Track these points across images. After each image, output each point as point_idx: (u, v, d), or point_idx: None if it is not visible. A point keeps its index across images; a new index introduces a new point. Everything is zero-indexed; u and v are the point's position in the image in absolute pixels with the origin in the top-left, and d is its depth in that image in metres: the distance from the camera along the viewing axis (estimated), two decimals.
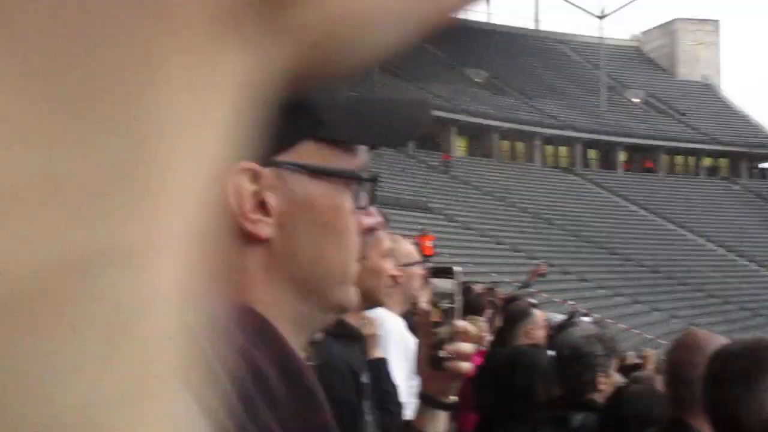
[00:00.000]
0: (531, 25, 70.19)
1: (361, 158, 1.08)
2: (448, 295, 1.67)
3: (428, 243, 24.93)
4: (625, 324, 30.46)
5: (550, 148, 56.98)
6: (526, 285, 11.95)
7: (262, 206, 1.01)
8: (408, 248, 3.86)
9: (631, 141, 58.47)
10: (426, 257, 21.21)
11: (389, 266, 2.93)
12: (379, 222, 1.12)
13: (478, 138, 53.11)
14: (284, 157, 1.02)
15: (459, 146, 51.85)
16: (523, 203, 45.26)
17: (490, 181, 46.65)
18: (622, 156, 58.92)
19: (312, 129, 1.03)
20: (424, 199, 37.90)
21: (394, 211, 32.41)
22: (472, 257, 33.07)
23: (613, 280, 38.28)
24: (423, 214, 35.13)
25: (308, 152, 1.03)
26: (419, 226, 27.26)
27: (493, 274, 29.63)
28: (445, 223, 37.04)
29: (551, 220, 43.84)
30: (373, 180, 1.10)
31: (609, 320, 27.64)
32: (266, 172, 1.00)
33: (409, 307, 3.83)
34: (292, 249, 1.03)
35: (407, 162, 43.43)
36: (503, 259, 35.39)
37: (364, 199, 1.08)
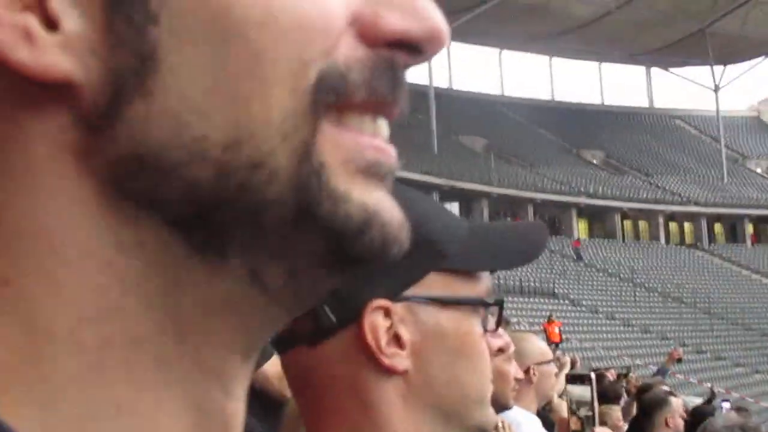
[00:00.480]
0: (645, 104, 69.66)
1: (484, 283, 1.14)
2: (586, 403, 1.71)
3: (556, 329, 24.64)
4: (766, 402, 29.38)
5: (674, 225, 56.04)
6: (662, 371, 11.66)
7: (397, 340, 1.06)
8: (540, 346, 3.89)
9: (758, 212, 57.06)
10: (554, 344, 20.94)
11: (514, 369, 2.99)
12: (507, 343, 1.18)
13: (599, 219, 52.60)
14: (413, 292, 1.07)
15: (580, 229, 51.35)
16: (651, 282, 44.40)
17: (615, 263, 45.95)
18: (749, 228, 57.55)
19: (437, 262, 1.09)
20: (549, 284, 37.53)
21: (520, 299, 32.16)
22: (602, 341, 32.47)
23: (750, 357, 37.08)
24: (549, 300, 34.78)
25: (435, 283, 1.09)
26: (546, 313, 26.95)
27: (624, 358, 29.04)
28: (572, 307, 36.55)
29: (680, 298, 42.86)
30: (498, 304, 1.17)
31: (749, 399, 26.72)
32: (398, 307, 1.06)
33: (544, 405, 3.87)
34: (429, 377, 1.08)
35: None
36: (634, 341, 34.64)
37: (491, 322, 1.15)
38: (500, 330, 1.20)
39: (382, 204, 0.48)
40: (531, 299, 33.46)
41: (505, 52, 62.13)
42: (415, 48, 0.49)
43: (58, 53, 0.43)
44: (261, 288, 0.47)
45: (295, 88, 0.45)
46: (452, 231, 1.13)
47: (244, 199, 0.45)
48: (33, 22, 0.42)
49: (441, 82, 55.32)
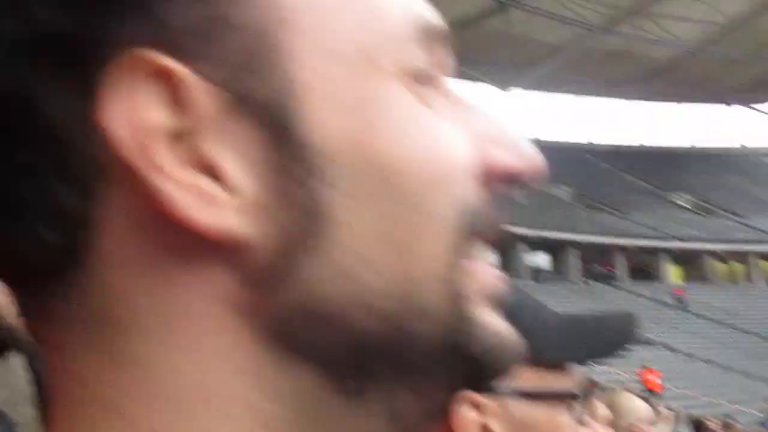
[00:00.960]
0: (732, 143, 68.55)
1: (574, 374, 1.16)
2: None
3: (653, 378, 24.18)
4: None
5: None
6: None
7: None
8: (639, 403, 3.83)
9: None
10: (653, 393, 20.55)
11: None
12: None
13: (692, 263, 51.66)
14: (503, 384, 1.08)
15: (673, 274, 50.48)
16: (748, 325, 43.32)
17: (710, 306, 44.99)
18: None
19: (526, 356, 1.12)
20: (644, 331, 36.84)
21: None
22: (701, 388, 31.75)
23: None
24: (644, 347, 34.14)
25: (525, 376, 1.10)
26: (641, 361, 26.46)
27: (725, 404, 28.31)
28: (668, 354, 35.82)
29: None
30: (586, 395, 1.18)
31: None
32: (488, 400, 1.08)
33: None
34: None
35: (619, 295, 42.58)
36: (734, 387, 33.76)
37: (579, 411, 1.16)
38: (588, 419, 1.20)
39: (505, 326, 0.52)
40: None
41: (586, 98, 61.88)
42: (516, 180, 0.52)
43: (232, 213, 0.44)
44: (395, 419, 0.48)
45: (447, 232, 0.47)
46: (542, 324, 1.14)
47: (400, 341, 0.46)
48: (210, 182, 0.44)
49: (524, 132, 55.27)
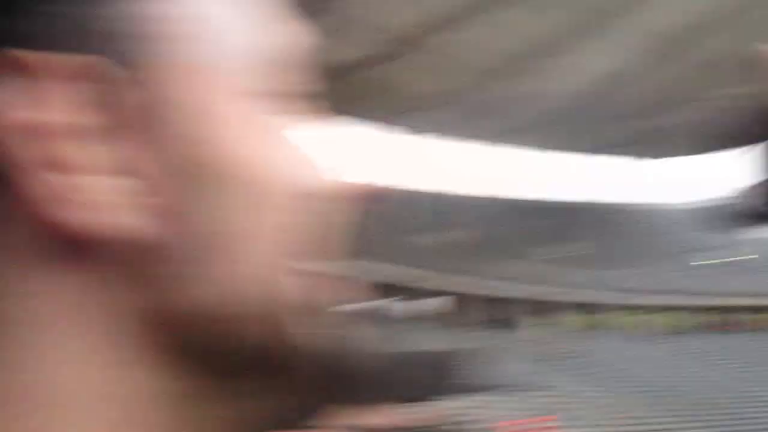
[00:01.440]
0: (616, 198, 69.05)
1: (395, 412, 0.99)
2: None
3: (548, 425, 23.28)
4: None
5: None
6: None
7: None
8: None
9: None
10: None
11: None
12: None
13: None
14: (322, 419, 1.14)
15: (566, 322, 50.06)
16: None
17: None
18: None
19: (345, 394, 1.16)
20: (538, 376, 36.16)
21: None
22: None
23: None
24: (541, 393, 33.49)
25: (344, 412, 1.04)
26: (537, 407, 25.59)
27: None
28: (567, 399, 35.18)
29: None
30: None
31: None
32: None
33: None
34: None
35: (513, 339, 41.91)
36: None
37: None
38: None
39: (307, 333, 0.54)
40: None
41: (484, 146, 61.59)
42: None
43: (130, 214, 0.45)
44: (244, 420, 0.52)
45: (281, 242, 0.51)
46: (359, 364, 1.12)
47: (262, 344, 0.49)
48: (112, 182, 0.45)
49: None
